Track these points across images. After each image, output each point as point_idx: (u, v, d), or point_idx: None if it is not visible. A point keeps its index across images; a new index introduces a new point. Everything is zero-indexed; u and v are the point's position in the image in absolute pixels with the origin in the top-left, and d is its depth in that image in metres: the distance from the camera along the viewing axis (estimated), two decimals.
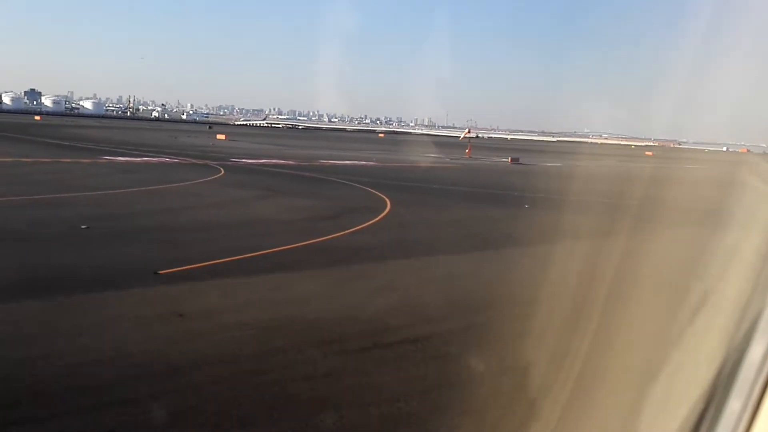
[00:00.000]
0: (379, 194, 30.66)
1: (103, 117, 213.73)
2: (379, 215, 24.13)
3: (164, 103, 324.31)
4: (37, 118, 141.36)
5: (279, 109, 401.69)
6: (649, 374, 3.55)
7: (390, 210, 25.75)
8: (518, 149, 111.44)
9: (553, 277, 15.63)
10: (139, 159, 45.66)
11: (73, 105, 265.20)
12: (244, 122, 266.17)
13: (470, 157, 76.01)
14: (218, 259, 15.25)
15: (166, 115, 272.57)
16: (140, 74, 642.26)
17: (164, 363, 8.67)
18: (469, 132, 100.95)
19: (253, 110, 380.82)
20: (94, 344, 9.27)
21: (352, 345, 9.91)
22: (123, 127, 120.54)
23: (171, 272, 13.69)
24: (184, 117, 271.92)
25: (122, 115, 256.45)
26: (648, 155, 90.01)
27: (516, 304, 12.70)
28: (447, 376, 8.92)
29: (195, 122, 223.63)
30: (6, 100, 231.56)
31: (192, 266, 14.34)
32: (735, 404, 2.74)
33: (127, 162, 42.98)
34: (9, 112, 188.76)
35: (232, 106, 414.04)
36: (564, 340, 10.69)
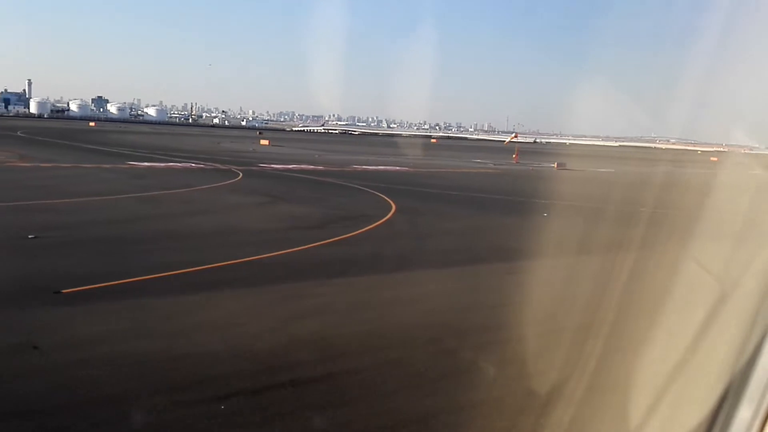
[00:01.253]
0: (389, 201, 28.80)
1: (165, 123, 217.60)
2: (372, 224, 22.26)
3: (224, 110, 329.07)
4: (92, 124, 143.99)
5: (338, 115, 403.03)
6: (661, 380, 3.54)
7: (388, 218, 23.84)
8: (574, 155, 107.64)
9: (521, 298, 13.50)
10: (162, 164, 44.85)
11: (138, 112, 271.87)
12: (302, 128, 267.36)
13: (517, 162, 73.37)
14: (149, 274, 13.63)
15: (226, 122, 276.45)
16: (205, 82, 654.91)
17: None
18: (515, 136, 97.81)
19: (313, 116, 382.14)
20: None
21: (210, 391, 8.04)
22: (174, 133, 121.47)
23: (76, 291, 12.11)
24: (243, 123, 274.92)
25: (184, 122, 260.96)
26: (712, 161, 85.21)
27: (456, 334, 10.72)
28: None
29: (253, 128, 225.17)
30: (73, 107, 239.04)
31: (109, 283, 12.73)
32: (746, 411, 2.82)
33: (147, 167, 42.17)
34: (74, 118, 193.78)
35: (293, 112, 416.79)
36: (488, 386, 8.62)
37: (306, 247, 17.73)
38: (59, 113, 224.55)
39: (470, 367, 9.27)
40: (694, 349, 3.42)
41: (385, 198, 30.04)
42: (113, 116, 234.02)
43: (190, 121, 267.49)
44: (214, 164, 46.85)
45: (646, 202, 30.58)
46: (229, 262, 15.21)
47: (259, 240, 18.69)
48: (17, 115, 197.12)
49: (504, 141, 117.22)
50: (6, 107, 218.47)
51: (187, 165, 45.58)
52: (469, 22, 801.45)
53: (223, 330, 10.44)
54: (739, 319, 3.14)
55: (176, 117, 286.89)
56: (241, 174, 39.84)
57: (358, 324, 11.08)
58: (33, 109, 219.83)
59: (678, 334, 3.81)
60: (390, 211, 25.94)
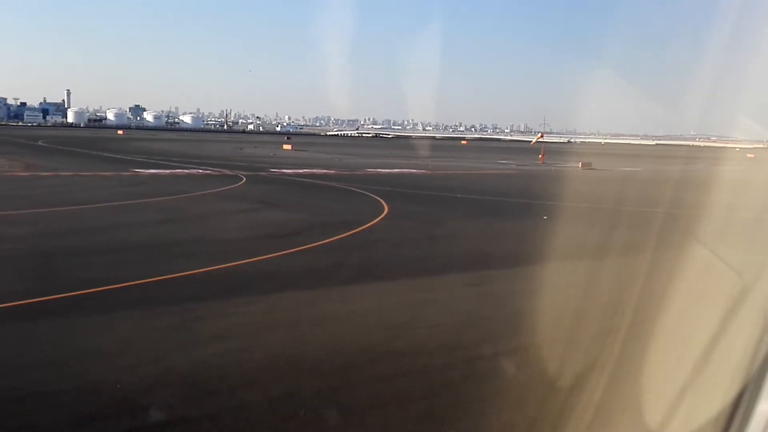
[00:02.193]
0: (384, 205, 27.30)
1: (199, 131, 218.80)
2: (353, 230, 20.80)
3: (259, 116, 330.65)
4: (120, 132, 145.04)
5: (374, 119, 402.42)
6: (680, 374, 3.59)
7: (373, 224, 22.34)
8: (605, 154, 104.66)
9: (469, 315, 11.96)
10: (168, 171, 43.93)
11: (176, 120, 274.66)
12: (337, 132, 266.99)
13: (543, 162, 71.19)
14: (62, 293, 12.30)
15: (261, 128, 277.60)
16: (243, 89, 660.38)
17: None
18: (541, 136, 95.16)
19: (349, 121, 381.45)
20: None
21: None
22: (201, 140, 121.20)
23: None
24: (278, 129, 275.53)
25: (219, 128, 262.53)
26: (749, 157, 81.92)
27: (371, 361, 9.17)
28: None
29: (287, 133, 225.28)
30: (110, 116, 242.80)
31: (6, 305, 11.42)
32: (765, 405, 2.78)
33: (150, 174, 41.29)
34: (110, 127, 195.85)
35: (329, 117, 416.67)
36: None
37: (265, 257, 16.31)
38: (96, 122, 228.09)
39: (357, 408, 7.70)
40: (715, 342, 3.37)
41: (382, 202, 28.53)
42: (149, 124, 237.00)
43: (225, 128, 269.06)
44: (222, 170, 45.76)
45: (663, 202, 28.70)
46: (166, 277, 13.85)
47: (217, 250, 17.30)
48: (54, 125, 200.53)
49: (531, 141, 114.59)
50: (44, 117, 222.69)
51: (195, 171, 44.64)
52: (505, 23, 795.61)
53: (94, 362, 8.99)
54: (760, 313, 3.15)
55: (212, 124, 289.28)
56: (244, 179, 38.76)
57: (263, 350, 9.57)
58: (70, 118, 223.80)
59: (698, 327, 3.72)
60: (380, 216, 24.46)
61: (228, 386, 8.20)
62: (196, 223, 22.24)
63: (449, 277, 15.01)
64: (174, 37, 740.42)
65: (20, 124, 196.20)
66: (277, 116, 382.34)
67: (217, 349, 9.55)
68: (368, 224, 22.29)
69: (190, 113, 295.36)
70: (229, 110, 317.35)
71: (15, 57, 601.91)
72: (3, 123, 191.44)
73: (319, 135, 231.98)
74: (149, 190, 31.42)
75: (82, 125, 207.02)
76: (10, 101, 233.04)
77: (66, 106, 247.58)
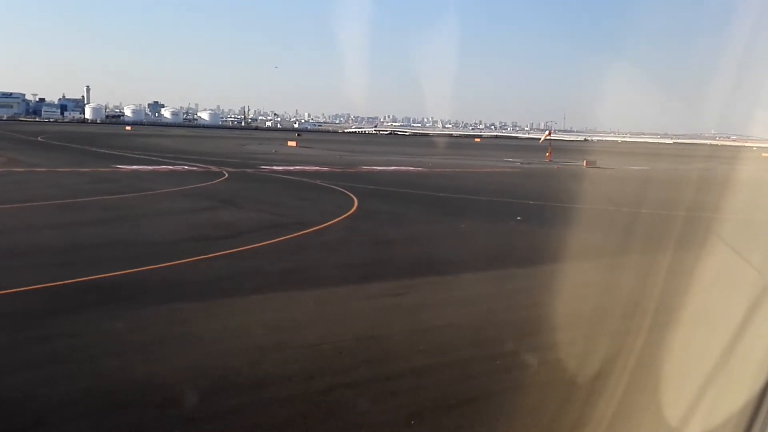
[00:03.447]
0: (355, 204, 25.81)
1: (216, 127, 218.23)
2: (301, 231, 19.33)
3: (279, 113, 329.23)
4: (128, 128, 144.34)
5: (393, 116, 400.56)
6: (702, 372, 3.52)
7: (328, 225, 20.84)
8: (616, 152, 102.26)
9: (365, 331, 10.42)
10: (150, 167, 42.58)
11: (194, 116, 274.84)
12: (354, 130, 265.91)
13: (549, 160, 69.28)
14: None
15: (278, 125, 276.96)
16: (263, 86, 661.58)
17: None
18: (549, 134, 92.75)
19: (368, 118, 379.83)
20: None
21: None
22: (208, 136, 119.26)
23: None
24: (296, 126, 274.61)
25: (237, 125, 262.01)
26: (764, 156, 79.48)
27: (206, 396, 7.59)
28: None
29: (300, 130, 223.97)
30: (127, 112, 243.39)
31: None
32: None
33: (130, 170, 39.96)
34: (127, 123, 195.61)
35: (348, 114, 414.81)
36: None
37: (180, 262, 14.84)
38: (114, 118, 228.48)
39: None
40: (736, 340, 3.32)
41: (355, 200, 27.04)
42: (167, 120, 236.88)
43: (243, 124, 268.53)
44: (210, 167, 44.33)
45: (655, 203, 26.90)
46: (43, 285, 12.34)
47: (132, 254, 15.80)
48: (71, 121, 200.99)
49: (539, 139, 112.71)
50: (62, 113, 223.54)
51: (180, 168, 43.31)
52: (526, 20, 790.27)
53: None
54: None
55: (230, 121, 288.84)
56: (226, 176, 37.45)
57: (91, 377, 8.05)
58: (88, 114, 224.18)
59: (719, 325, 3.68)
60: (342, 215, 22.91)
61: (17, 426, 6.70)
62: (133, 224, 20.77)
63: (371, 286, 13.42)
64: (195, 34, 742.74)
65: (37, 119, 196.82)
66: (296, 113, 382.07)
67: (35, 377, 8.03)
68: (323, 225, 20.78)
69: (209, 110, 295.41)
70: (248, 107, 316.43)
71: (37, 54, 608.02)
72: (20, 119, 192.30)
73: (336, 132, 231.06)
74: (114, 188, 30.04)
75: (99, 121, 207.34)
76: (28, 97, 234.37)
77: (85, 102, 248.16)
